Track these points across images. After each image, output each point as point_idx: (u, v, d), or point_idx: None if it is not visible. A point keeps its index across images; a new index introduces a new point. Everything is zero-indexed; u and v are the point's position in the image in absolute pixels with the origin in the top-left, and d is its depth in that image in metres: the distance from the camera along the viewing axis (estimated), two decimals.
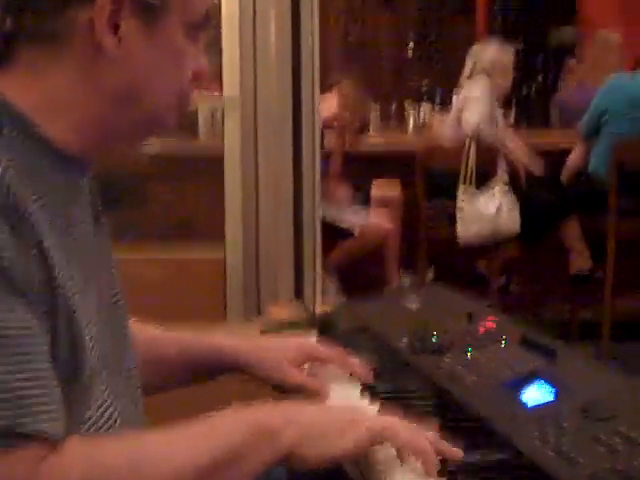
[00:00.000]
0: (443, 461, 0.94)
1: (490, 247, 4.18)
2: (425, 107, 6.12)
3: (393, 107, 6.60)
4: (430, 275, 4.47)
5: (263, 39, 2.63)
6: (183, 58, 0.97)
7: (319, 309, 2.48)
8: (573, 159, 4.44)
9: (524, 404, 1.09)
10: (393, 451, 0.95)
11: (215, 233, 2.82)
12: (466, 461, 0.95)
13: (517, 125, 6.03)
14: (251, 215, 2.71)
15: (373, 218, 4.35)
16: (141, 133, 1.02)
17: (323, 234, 2.83)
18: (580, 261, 4.36)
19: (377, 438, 0.95)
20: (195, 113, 4.14)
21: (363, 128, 4.79)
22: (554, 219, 4.27)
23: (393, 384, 1.24)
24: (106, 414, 0.92)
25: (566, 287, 4.59)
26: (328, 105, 4.39)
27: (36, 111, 0.90)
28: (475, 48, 4.52)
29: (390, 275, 4.48)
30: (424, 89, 7.16)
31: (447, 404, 1.16)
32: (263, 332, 1.95)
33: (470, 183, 4.07)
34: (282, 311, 2.49)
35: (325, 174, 4.10)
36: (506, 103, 5.12)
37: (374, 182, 4.61)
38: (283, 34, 2.62)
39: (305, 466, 0.92)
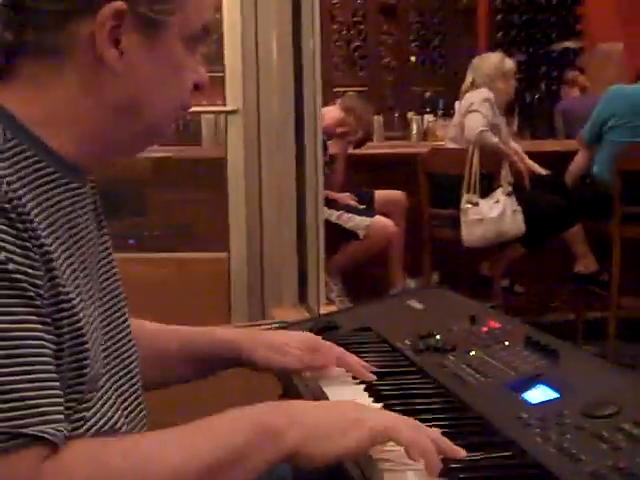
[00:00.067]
0: (445, 460, 0.94)
1: (494, 249, 4.18)
2: (427, 116, 6.15)
3: (396, 116, 6.63)
4: (435, 277, 4.47)
5: (265, 48, 2.64)
6: (183, 70, 0.98)
7: (323, 311, 2.48)
8: (576, 165, 4.45)
9: (527, 403, 1.09)
10: (402, 451, 0.95)
11: (219, 237, 2.83)
12: (469, 460, 0.95)
13: (521, 133, 6.06)
14: (255, 218, 2.72)
15: (378, 221, 4.35)
16: (140, 144, 1.03)
17: (328, 237, 2.84)
18: (584, 264, 4.36)
19: (380, 437, 0.95)
20: (198, 122, 4.17)
21: (366, 140, 4.80)
22: (558, 222, 4.26)
23: (396, 383, 1.24)
24: (108, 414, 0.93)
25: (570, 289, 4.59)
26: (331, 116, 4.41)
27: (37, 124, 0.91)
28: (475, 61, 4.53)
29: (394, 278, 4.49)
30: (427, 95, 7.19)
31: (450, 403, 1.16)
32: None
33: (474, 188, 4.08)
34: (286, 314, 2.50)
35: (329, 178, 4.12)
36: (508, 111, 5.14)
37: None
38: (285, 43, 2.62)
39: (308, 465, 0.92)
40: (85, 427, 0.88)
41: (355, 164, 4.69)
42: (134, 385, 1.03)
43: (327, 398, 1.21)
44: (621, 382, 1.12)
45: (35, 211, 0.86)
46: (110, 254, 1.06)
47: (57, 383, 0.83)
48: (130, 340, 1.05)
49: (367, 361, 1.30)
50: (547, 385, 1.12)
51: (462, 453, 0.95)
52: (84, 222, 0.98)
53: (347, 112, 4.59)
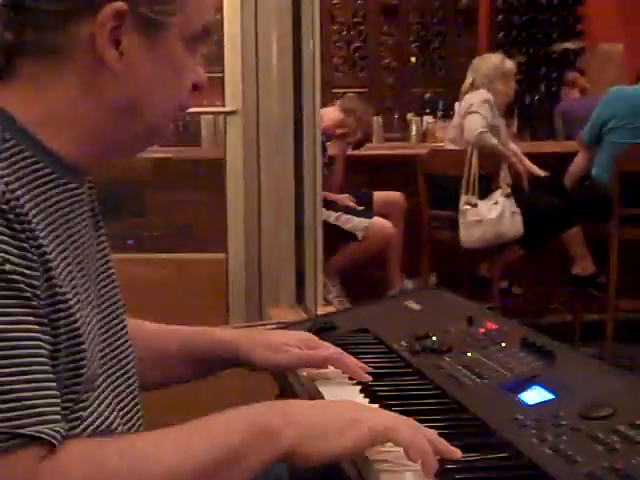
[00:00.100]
0: (442, 461, 0.94)
1: (492, 250, 4.19)
2: (427, 118, 6.16)
3: (396, 117, 6.63)
4: (433, 279, 4.47)
5: (264, 49, 2.64)
6: (183, 71, 0.98)
7: (321, 312, 2.48)
8: (575, 166, 4.45)
9: (523, 404, 1.10)
10: (401, 451, 0.95)
11: (217, 238, 2.84)
12: (465, 460, 0.95)
13: (520, 135, 6.06)
14: (253, 219, 2.72)
15: (376, 222, 4.35)
16: (140, 144, 1.03)
17: (326, 238, 2.84)
18: (582, 266, 4.36)
19: (379, 437, 0.95)
20: (198, 123, 4.17)
21: (366, 142, 4.80)
22: (557, 224, 4.27)
23: (392, 384, 1.24)
24: (105, 414, 0.93)
25: (568, 291, 4.59)
26: (330, 117, 4.41)
27: (37, 125, 0.91)
28: (475, 62, 4.54)
29: (392, 279, 4.49)
30: (427, 97, 7.19)
31: (446, 404, 1.16)
32: None
33: (472, 189, 4.08)
34: (284, 314, 2.50)
35: (328, 179, 4.12)
36: (508, 113, 5.14)
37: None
38: (284, 43, 2.62)
39: (304, 465, 0.92)
40: (82, 427, 0.89)
41: (354, 165, 4.69)
42: (131, 386, 1.04)
43: (323, 398, 1.21)
44: (617, 383, 1.12)
45: (33, 212, 0.87)
46: (107, 255, 1.07)
47: (54, 383, 0.83)
48: (127, 341, 1.06)
49: (364, 362, 1.30)
50: (543, 386, 1.12)
51: (458, 454, 0.95)
52: (82, 223, 0.98)
53: (347, 113, 4.59)
